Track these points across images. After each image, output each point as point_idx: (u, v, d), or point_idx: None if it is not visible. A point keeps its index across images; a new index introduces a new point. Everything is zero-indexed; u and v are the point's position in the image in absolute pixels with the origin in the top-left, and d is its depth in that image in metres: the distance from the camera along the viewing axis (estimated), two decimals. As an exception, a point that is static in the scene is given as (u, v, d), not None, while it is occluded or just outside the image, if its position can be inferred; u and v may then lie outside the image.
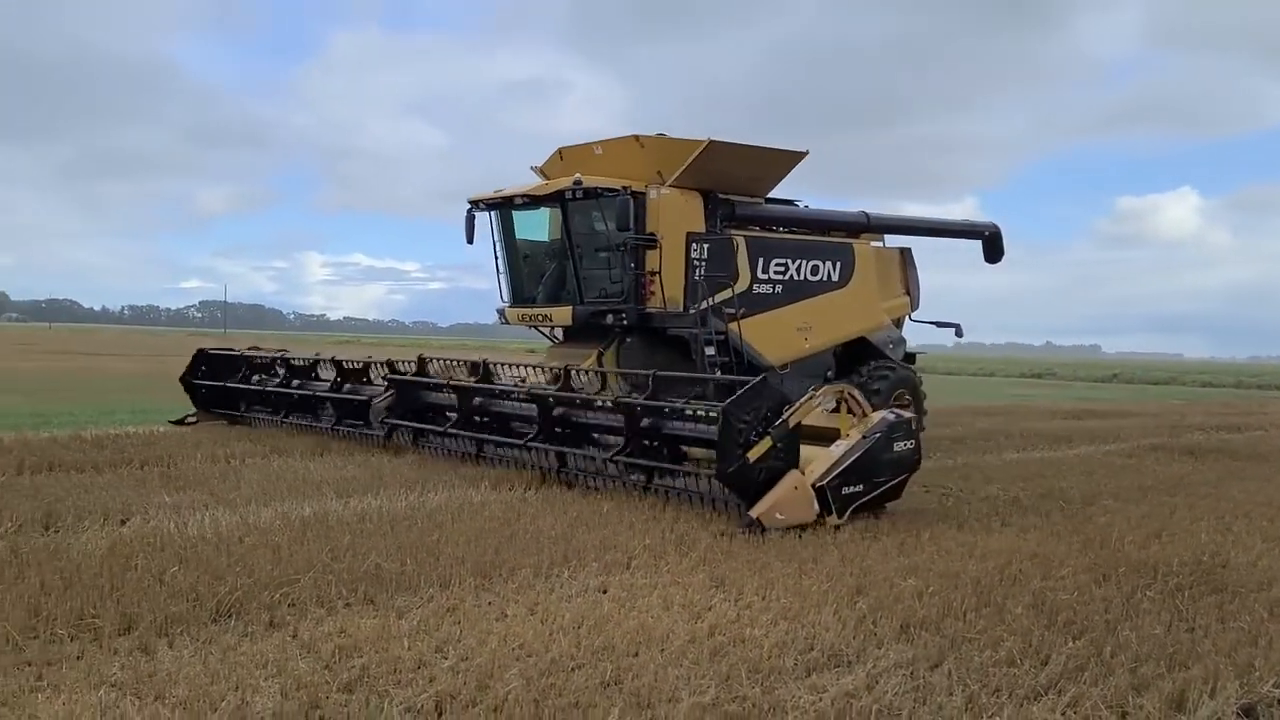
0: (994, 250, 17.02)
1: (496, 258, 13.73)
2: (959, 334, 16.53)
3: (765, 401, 7.88)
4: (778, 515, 7.44)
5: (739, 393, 7.87)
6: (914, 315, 15.86)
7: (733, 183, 13.13)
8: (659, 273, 12.33)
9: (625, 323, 12.49)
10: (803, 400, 8.01)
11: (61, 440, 11.42)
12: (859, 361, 14.49)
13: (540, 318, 13.17)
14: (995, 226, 17.02)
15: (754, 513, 7.44)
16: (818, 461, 7.85)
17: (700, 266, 12.55)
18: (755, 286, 13.31)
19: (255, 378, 14.33)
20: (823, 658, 4.67)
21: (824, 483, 7.70)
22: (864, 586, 5.88)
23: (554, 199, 12.54)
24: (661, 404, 8.85)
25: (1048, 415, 21.66)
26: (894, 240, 16.07)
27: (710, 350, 12.19)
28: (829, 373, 14.10)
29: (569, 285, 12.86)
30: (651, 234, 12.40)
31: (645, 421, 8.97)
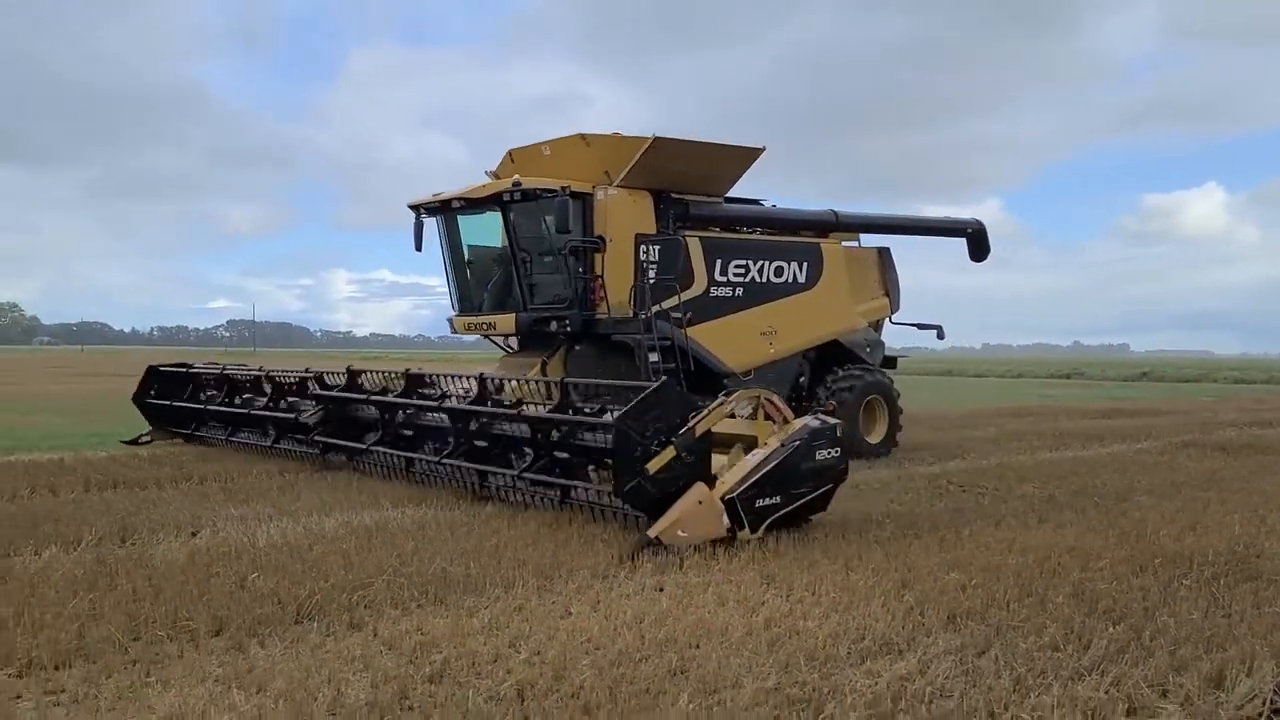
0: (979, 248, 16.32)
1: (444, 265, 13.25)
2: (940, 336, 15.86)
3: (668, 409, 7.35)
4: (680, 532, 6.89)
5: (633, 402, 7.34)
6: (894, 317, 15.22)
7: (685, 182, 12.63)
8: (601, 276, 11.90)
9: (569, 329, 12.03)
10: (712, 406, 7.51)
11: (121, 459, 11.87)
12: (834, 365, 13.93)
13: (485, 325, 12.71)
14: (979, 223, 16.33)
15: (653, 531, 6.87)
16: (731, 472, 7.37)
17: (650, 269, 12.01)
18: (712, 289, 12.78)
19: (202, 395, 14.02)
20: (875, 646, 4.93)
21: (734, 495, 7.14)
22: (909, 580, 6.13)
23: (492, 201, 11.98)
24: (559, 416, 8.46)
25: (1078, 415, 21.73)
26: (872, 240, 15.54)
27: (654, 357, 11.58)
28: (801, 378, 13.74)
29: (514, 291, 12.33)
30: (597, 236, 11.93)
31: (555, 434, 8.56)
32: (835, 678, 4.45)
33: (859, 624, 5.25)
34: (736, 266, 13.01)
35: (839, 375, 13.57)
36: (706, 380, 12.22)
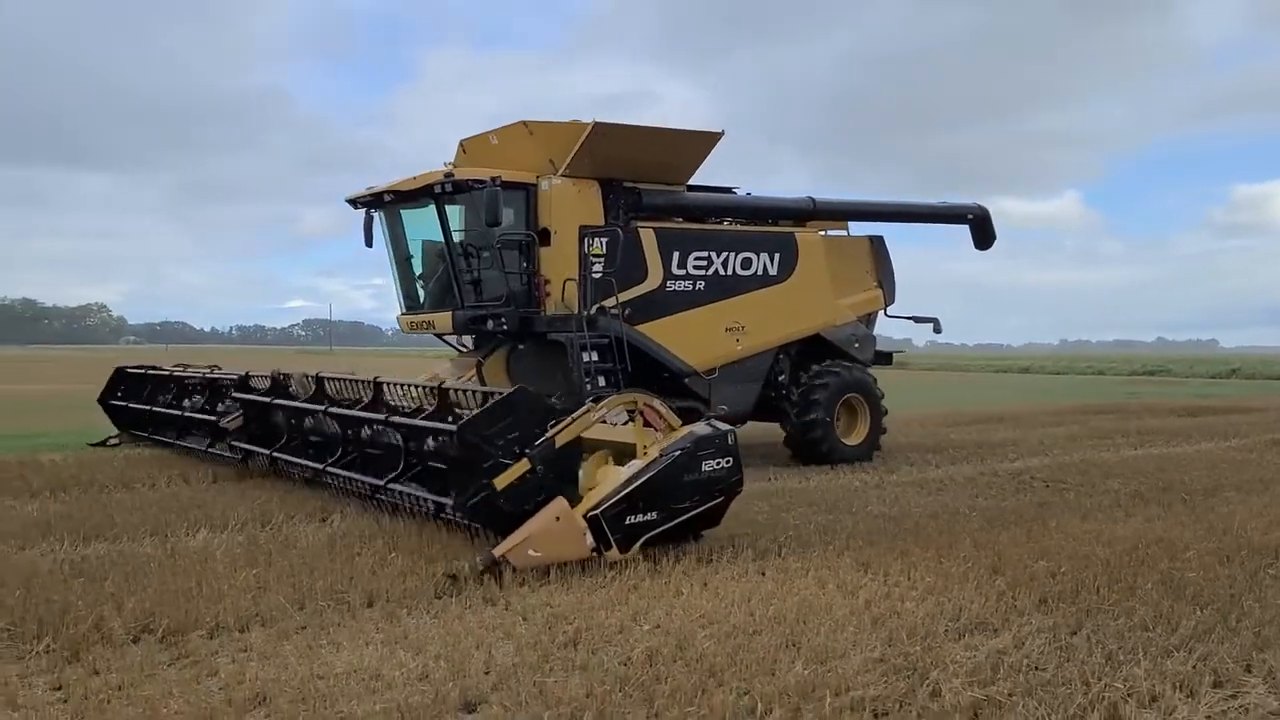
0: (984, 235, 15.12)
1: (389, 261, 12.50)
2: (937, 329, 14.89)
3: (523, 418, 6.84)
4: (532, 552, 6.32)
5: (481, 409, 6.91)
6: (889, 310, 14.26)
7: (637, 169, 11.84)
8: (537, 272, 11.28)
9: (506, 328, 11.36)
10: (576, 415, 6.93)
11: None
12: (817, 362, 13.03)
13: (426, 324, 11.98)
14: (982, 208, 15.08)
15: (499, 550, 6.30)
16: (600, 487, 6.81)
17: (596, 263, 11.26)
18: (669, 283, 11.94)
19: (161, 397, 13.56)
20: (970, 624, 5.31)
21: (599, 511, 6.55)
22: (999, 567, 6.48)
23: (424, 194, 11.17)
24: (417, 423, 8.03)
25: (1164, 412, 21.49)
26: (864, 229, 14.39)
27: (591, 356, 10.92)
28: (780, 377, 12.88)
29: (452, 289, 11.56)
30: (541, 229, 11.30)
31: (431, 443, 7.98)
32: (936, 651, 4.85)
33: (954, 605, 5.63)
34: (697, 259, 12.19)
35: (812, 372, 12.76)
36: (666, 381, 11.77)
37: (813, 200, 13.51)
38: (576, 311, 11.10)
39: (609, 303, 11.17)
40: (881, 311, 14.19)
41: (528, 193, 11.30)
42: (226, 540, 7.35)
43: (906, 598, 5.80)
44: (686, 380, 11.93)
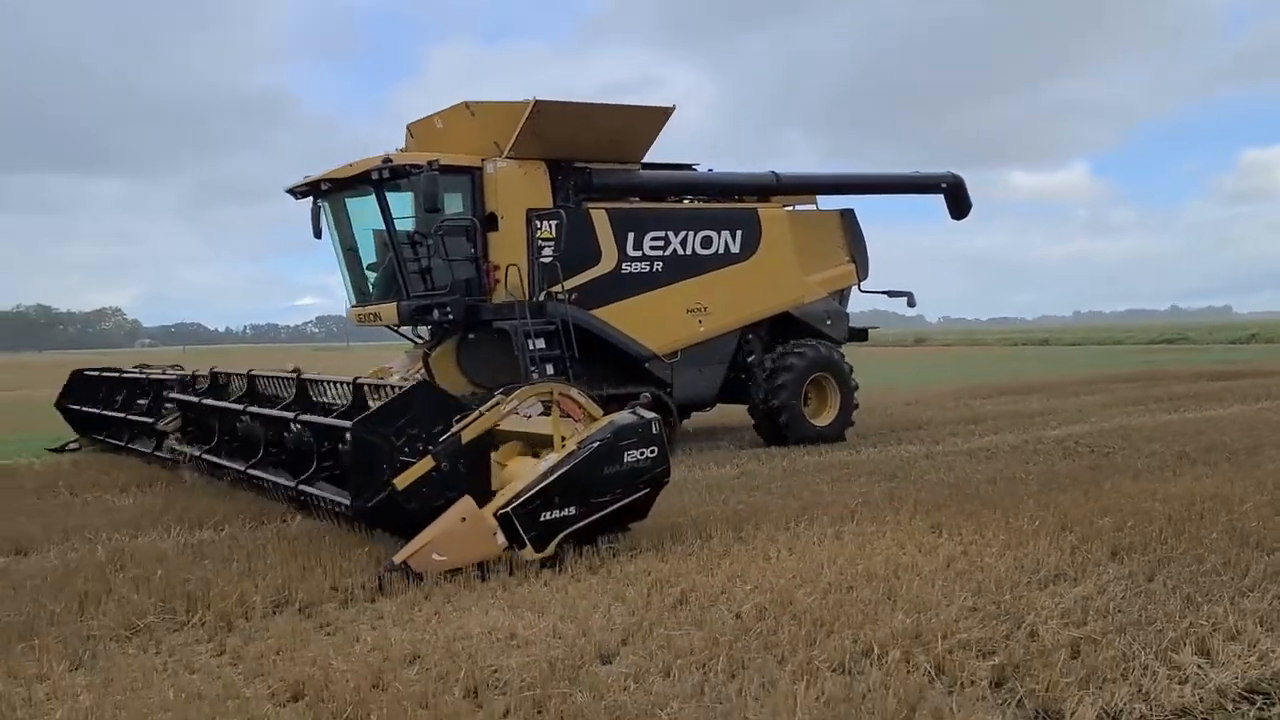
0: (959, 204, 14.65)
1: (336, 253, 12.13)
2: (911, 303, 14.60)
3: (426, 413, 6.51)
4: (436, 556, 6.00)
5: (379, 405, 6.61)
6: (863, 285, 13.94)
7: (586, 148, 11.50)
8: (486, 258, 11.00)
9: (451, 318, 11.07)
10: (484, 409, 6.58)
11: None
12: (786, 341, 12.80)
13: (372, 317, 11.67)
14: (955, 176, 14.57)
15: (400, 556, 5.98)
16: (514, 483, 6.48)
17: (546, 247, 11.00)
18: (625, 265, 11.65)
19: (114, 400, 13.02)
20: (1051, 575, 5.66)
21: (510, 509, 6.20)
22: (1067, 524, 6.82)
23: (362, 181, 10.85)
24: (287, 415, 7.91)
25: (1190, 378, 21.77)
26: (835, 203, 14.11)
27: (539, 344, 10.70)
28: (750, 357, 12.57)
29: (398, 278, 11.21)
30: (482, 215, 10.99)
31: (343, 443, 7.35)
32: (1025, 599, 5.20)
33: (1032, 559, 5.98)
34: (654, 239, 11.86)
35: (779, 352, 12.51)
36: (625, 366, 11.67)
37: (776, 175, 13.20)
38: (527, 298, 10.86)
39: (558, 288, 10.99)
40: (855, 287, 13.91)
41: (472, 177, 10.98)
42: (327, 524, 7.76)
43: (984, 554, 6.14)
44: (647, 365, 11.74)
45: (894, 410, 16.46)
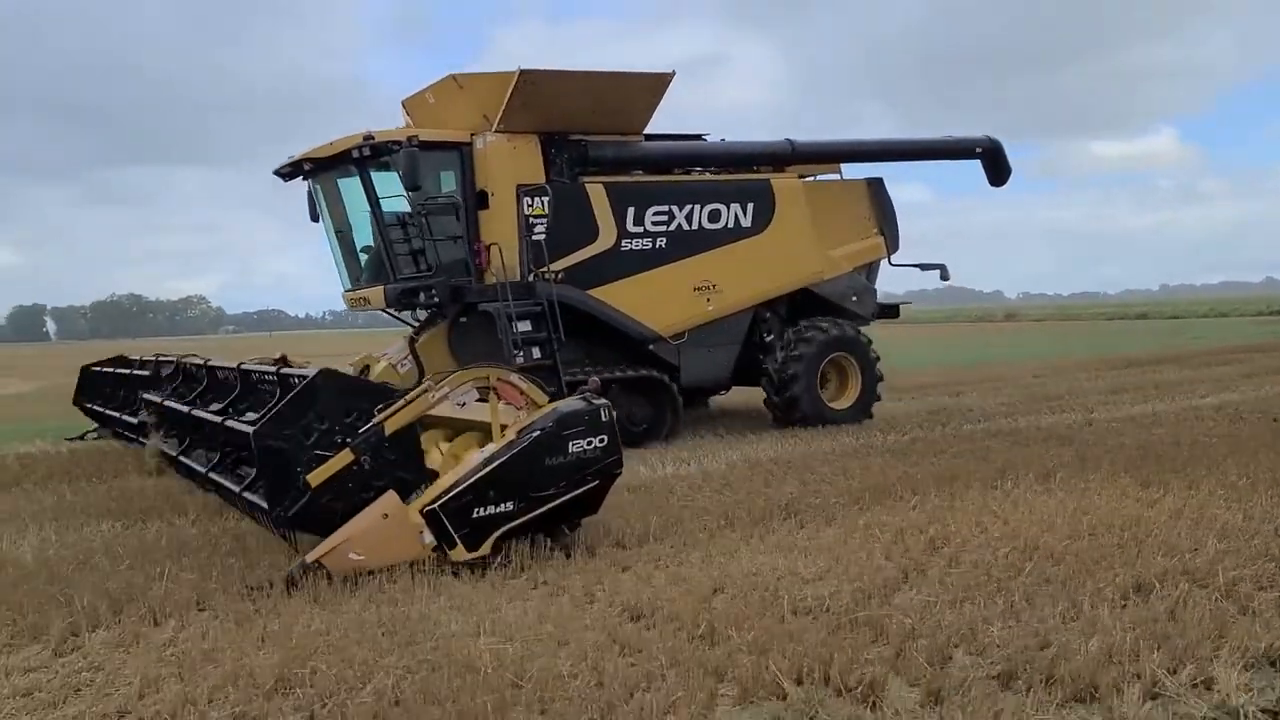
0: (997, 170, 13.70)
1: (327, 235, 11.71)
2: (944, 276, 13.80)
3: (331, 403, 5.92)
4: (353, 555, 5.62)
5: (280, 403, 6.10)
6: (894, 259, 13.17)
7: (580, 120, 10.91)
8: (478, 238, 10.56)
9: (437, 300, 10.75)
10: (411, 395, 6.08)
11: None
12: (806, 320, 12.11)
13: (362, 301, 11.28)
14: (993, 141, 13.60)
15: (312, 555, 5.59)
16: (444, 477, 6.04)
17: (538, 224, 10.57)
18: (625, 242, 11.05)
19: (116, 395, 12.46)
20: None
21: (438, 505, 5.76)
22: (1273, 482, 7.08)
23: (345, 160, 10.41)
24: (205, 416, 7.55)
25: (1321, 348, 21.38)
26: (859, 171, 13.26)
27: (524, 326, 10.24)
28: (768, 336, 11.92)
29: (384, 260, 10.82)
30: (473, 192, 10.56)
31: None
32: (1276, 543, 5.53)
33: (1261, 510, 6.29)
34: (656, 214, 11.21)
35: (795, 330, 11.86)
36: (629, 349, 11.20)
37: (791, 143, 12.36)
38: (519, 278, 10.44)
39: (564, 262, 10.57)
40: (885, 260, 13.12)
41: (461, 153, 10.52)
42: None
43: (1209, 507, 6.45)
44: (651, 347, 11.19)
45: (1026, 382, 16.60)
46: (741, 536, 6.41)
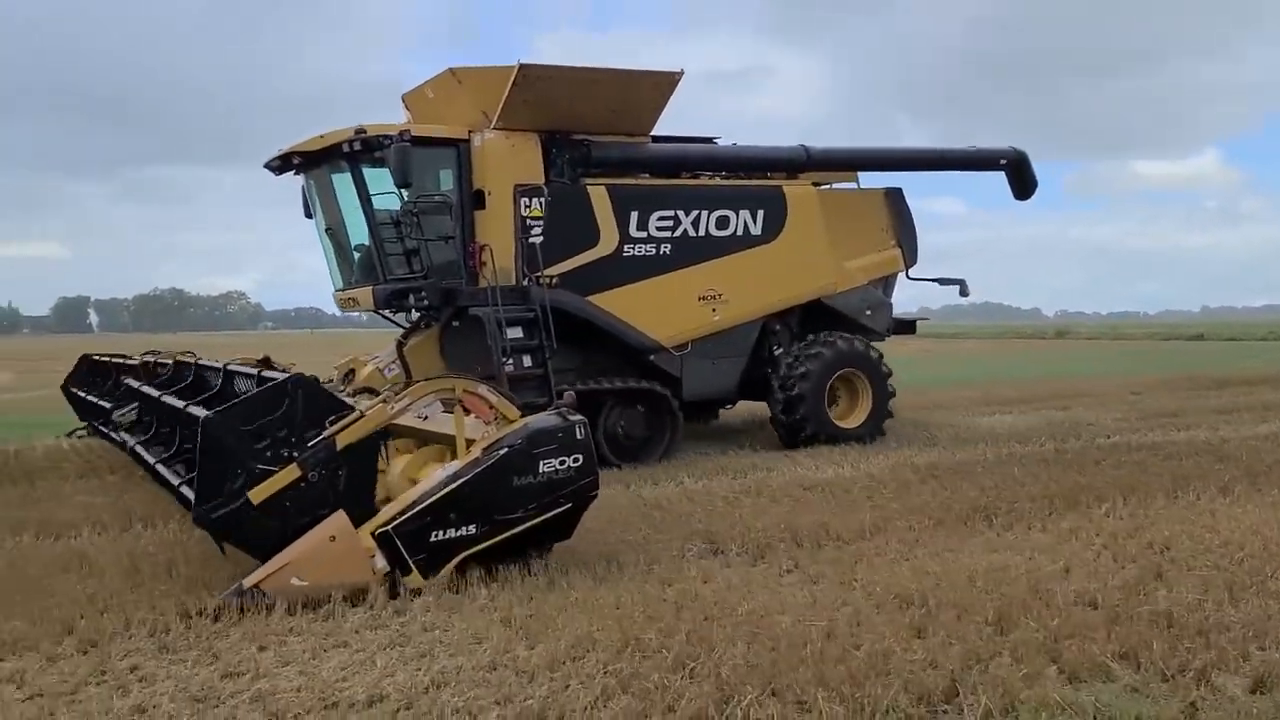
0: (1022, 182, 13.27)
1: (318, 232, 11.32)
2: (964, 292, 13.34)
3: (301, 412, 5.51)
4: (295, 580, 5.20)
5: (243, 397, 5.89)
6: (912, 273, 12.72)
7: (583, 119, 10.47)
8: (473, 239, 10.09)
9: (426, 303, 10.36)
10: (368, 407, 5.69)
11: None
12: (817, 333, 11.66)
13: (351, 302, 10.87)
14: (1018, 152, 13.14)
15: (250, 580, 5.20)
16: (400, 497, 5.65)
17: (535, 226, 10.18)
18: (627, 247, 10.61)
19: (103, 386, 12.36)
20: None
21: (392, 527, 5.37)
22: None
23: (335, 154, 10.05)
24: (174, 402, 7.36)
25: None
26: (877, 180, 12.85)
27: (515, 333, 9.82)
28: (776, 349, 11.52)
29: (374, 260, 10.41)
30: (469, 191, 10.10)
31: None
32: None
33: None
34: (661, 219, 10.80)
35: (803, 344, 11.43)
36: (629, 358, 10.83)
37: (806, 149, 11.86)
38: (513, 282, 10.05)
39: (551, 271, 10.18)
40: (902, 274, 12.69)
41: (458, 150, 10.06)
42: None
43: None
44: (652, 358, 10.82)
45: (1126, 399, 16.62)
46: (951, 535, 6.67)
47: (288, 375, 5.90)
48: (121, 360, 12.44)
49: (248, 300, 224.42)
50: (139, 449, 8.82)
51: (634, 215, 10.67)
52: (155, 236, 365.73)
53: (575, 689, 4.08)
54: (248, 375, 7.18)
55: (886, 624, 4.77)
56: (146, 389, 9.36)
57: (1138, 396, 16.98)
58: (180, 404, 7.66)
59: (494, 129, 10.13)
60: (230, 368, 7.84)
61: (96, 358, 13.47)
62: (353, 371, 11.39)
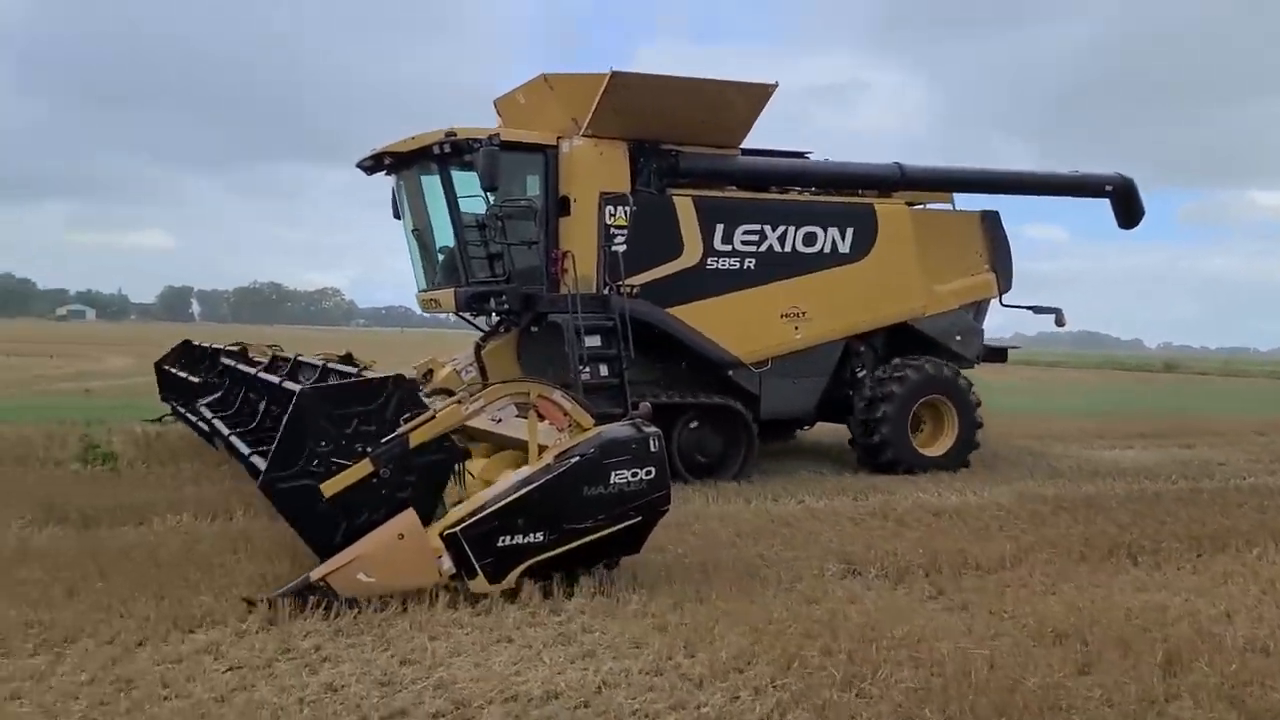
0: (1128, 211, 12.74)
1: (406, 233, 11.43)
2: (1060, 322, 12.87)
3: (391, 412, 5.50)
4: (362, 576, 5.20)
5: (339, 383, 5.96)
6: (1005, 299, 12.31)
7: (673, 128, 10.40)
8: (557, 245, 10.06)
9: (507, 307, 10.39)
10: (440, 407, 5.61)
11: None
12: (904, 356, 11.39)
13: (433, 303, 10.99)
14: (1124, 179, 12.63)
15: (317, 573, 5.20)
16: (471, 499, 5.60)
17: (619, 235, 10.09)
18: (711, 260, 10.48)
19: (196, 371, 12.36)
20: None
21: (460, 529, 5.33)
22: None
23: (424, 156, 10.12)
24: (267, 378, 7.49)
25: None
26: (974, 203, 12.45)
27: (594, 341, 9.71)
28: (859, 372, 11.20)
29: (457, 262, 10.47)
30: (555, 197, 10.13)
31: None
32: None
33: None
34: (746, 233, 10.63)
35: (887, 367, 11.15)
36: (707, 372, 10.66)
37: (900, 167, 11.58)
38: (593, 290, 9.98)
39: (633, 280, 10.07)
40: (996, 299, 12.26)
41: (546, 156, 10.08)
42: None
43: None
44: (730, 373, 10.64)
45: (1251, 439, 15.91)
46: (1096, 571, 6.57)
47: (390, 374, 5.87)
48: (219, 347, 12.62)
49: (342, 297, 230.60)
50: (217, 421, 9.02)
51: (719, 228, 10.56)
52: (258, 230, 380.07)
53: (746, 700, 4.16)
54: (344, 374, 7.15)
55: (1048, 657, 4.73)
56: (243, 367, 9.72)
57: (1265, 437, 16.32)
58: (275, 379, 7.92)
59: (583, 136, 10.14)
60: (330, 365, 7.95)
61: (196, 343, 13.90)
62: (431, 372, 11.51)
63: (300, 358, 9.00)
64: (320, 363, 8.22)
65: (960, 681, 4.29)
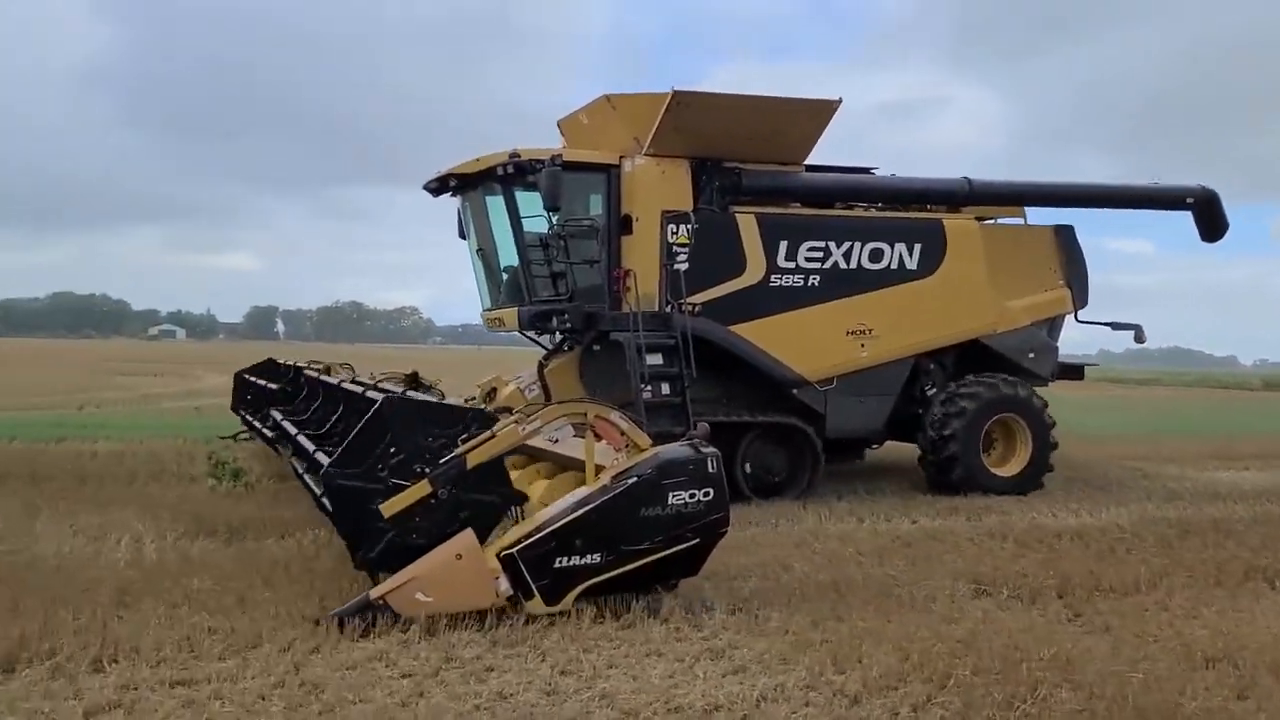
0: (1212, 224, 12.35)
1: (470, 253, 11.55)
2: (1139, 339, 12.56)
3: (402, 428, 5.55)
4: (420, 596, 5.20)
5: (426, 402, 6.01)
6: (1081, 315, 12.00)
7: (735, 146, 10.37)
8: (618, 264, 10.10)
9: (570, 326, 10.38)
10: (498, 427, 5.62)
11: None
12: (975, 374, 11.16)
13: (497, 321, 11.03)
14: (1207, 191, 12.23)
15: (376, 591, 5.24)
16: (528, 520, 5.60)
17: (681, 253, 10.07)
18: (774, 277, 10.38)
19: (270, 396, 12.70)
20: None
21: (517, 550, 5.31)
22: None
23: (488, 177, 10.23)
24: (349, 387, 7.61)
25: None
26: (1048, 217, 12.16)
27: (655, 360, 9.70)
28: (928, 389, 11.02)
29: (520, 281, 10.59)
30: (618, 216, 10.16)
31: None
32: None
33: None
34: (810, 250, 10.50)
35: (958, 384, 10.91)
36: (771, 391, 10.56)
37: (969, 181, 11.33)
38: (655, 308, 9.98)
39: (695, 298, 10.05)
40: (1071, 316, 11.97)
41: (609, 175, 10.13)
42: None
43: None
44: (795, 392, 10.51)
45: None
46: (1235, 596, 6.47)
47: (475, 408, 6.02)
48: (301, 365, 13.20)
49: (420, 315, 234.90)
50: (285, 423, 9.20)
51: (783, 245, 10.47)
52: (340, 251, 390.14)
53: (906, 716, 4.22)
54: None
55: (1204, 681, 4.70)
56: (326, 378, 10.11)
57: None
58: (360, 389, 8.09)
59: (645, 155, 10.17)
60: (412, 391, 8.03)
61: (280, 361, 14.62)
62: (494, 390, 11.68)
63: (382, 378, 9.39)
64: (402, 389, 8.35)
65: (1120, 704, 4.30)
